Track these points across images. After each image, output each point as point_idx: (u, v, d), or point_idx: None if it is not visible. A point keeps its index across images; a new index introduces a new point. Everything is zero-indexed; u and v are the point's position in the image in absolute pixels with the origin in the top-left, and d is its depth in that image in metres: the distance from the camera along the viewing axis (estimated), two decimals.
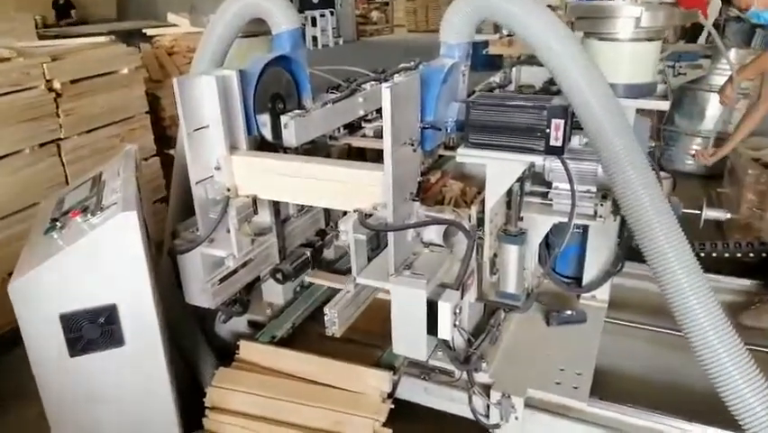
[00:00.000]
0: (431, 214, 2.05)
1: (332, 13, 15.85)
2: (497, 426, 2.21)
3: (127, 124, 3.96)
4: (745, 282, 3.01)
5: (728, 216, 2.70)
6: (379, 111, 2.58)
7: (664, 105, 2.20)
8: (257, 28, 2.47)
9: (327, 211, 2.64)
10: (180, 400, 2.19)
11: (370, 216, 1.97)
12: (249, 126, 2.16)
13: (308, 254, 2.41)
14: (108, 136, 3.81)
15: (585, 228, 2.55)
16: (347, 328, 2.23)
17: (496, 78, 2.92)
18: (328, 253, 2.67)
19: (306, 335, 2.56)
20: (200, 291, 2.19)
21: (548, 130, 1.93)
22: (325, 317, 2.14)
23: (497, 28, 6.25)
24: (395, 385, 2.22)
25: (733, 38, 5.13)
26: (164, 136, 4.41)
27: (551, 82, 2.49)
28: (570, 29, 1.91)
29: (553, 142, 1.94)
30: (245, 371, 2.34)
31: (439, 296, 1.96)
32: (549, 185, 2.25)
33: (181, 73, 4.33)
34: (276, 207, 2.35)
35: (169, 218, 2.56)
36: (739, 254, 3.25)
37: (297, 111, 2.21)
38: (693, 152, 4.79)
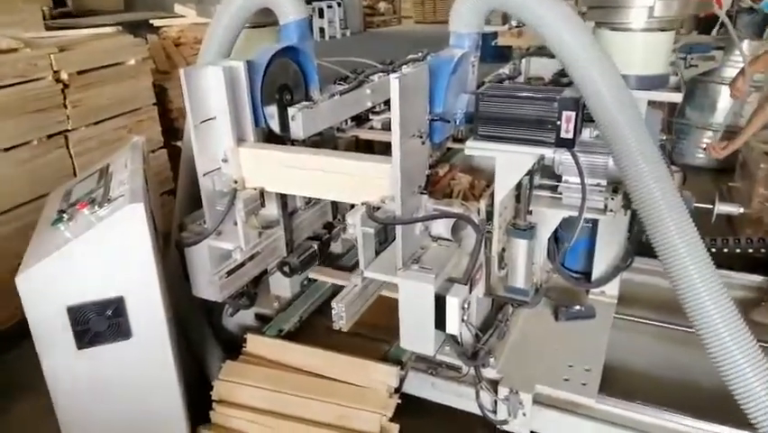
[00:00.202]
0: (439, 207, 2.03)
1: (339, 5, 15.74)
2: (504, 422, 2.20)
3: (134, 116, 3.96)
4: (757, 278, 2.98)
5: (741, 210, 2.65)
6: (386, 103, 2.56)
7: (677, 98, 2.16)
8: (264, 18, 2.45)
9: (335, 204, 2.63)
10: (187, 393, 2.19)
11: (378, 209, 1.95)
12: (256, 118, 2.14)
13: (315, 247, 2.41)
14: (115, 128, 3.80)
15: (594, 222, 2.52)
16: (354, 322, 2.22)
17: (505, 69, 2.88)
18: (335, 247, 2.66)
19: (313, 328, 2.56)
20: (207, 284, 2.19)
21: (559, 122, 1.91)
22: (333, 311, 2.13)
23: (505, 18, 6.19)
24: (402, 380, 2.21)
25: (744, 30, 5.05)
26: (171, 128, 4.40)
27: (560, 74, 2.45)
28: (581, 19, 1.88)
29: (563, 135, 1.92)
30: (252, 364, 2.34)
31: (447, 290, 1.95)
32: (559, 178, 2.23)
33: (188, 64, 4.30)
34: (283, 199, 2.33)
35: (177, 210, 2.55)
36: (751, 250, 3.21)
37: (304, 103, 2.20)
38: (704, 145, 4.73)
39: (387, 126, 2.52)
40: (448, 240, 2.09)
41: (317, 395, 2.18)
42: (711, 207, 2.58)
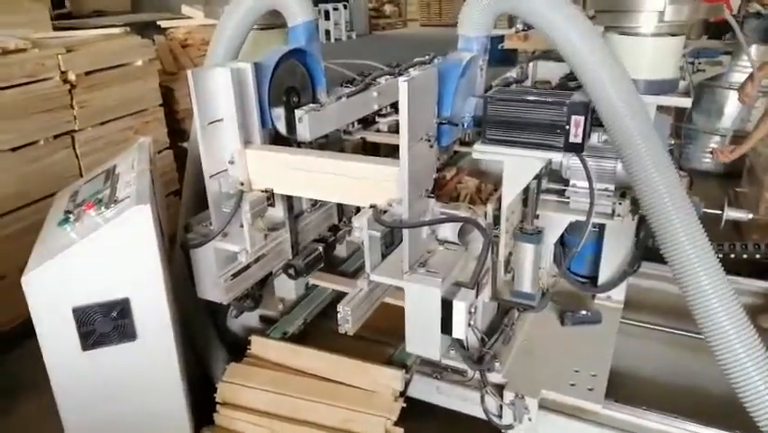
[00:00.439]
0: (447, 211, 2.02)
1: (345, 7, 15.79)
2: (510, 426, 2.18)
3: (141, 117, 3.97)
4: (764, 284, 2.96)
5: (750, 216, 2.64)
6: (393, 106, 2.55)
7: (686, 102, 2.15)
8: (272, 20, 2.45)
9: (340, 206, 2.62)
10: (191, 395, 2.19)
11: (385, 212, 1.94)
12: (263, 120, 2.14)
13: (321, 250, 2.40)
14: (122, 129, 3.81)
15: (601, 227, 2.51)
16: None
17: (512, 73, 2.87)
18: (340, 250, 2.65)
19: (317, 331, 2.54)
20: (213, 286, 2.18)
21: (568, 126, 1.89)
22: (339, 315, 2.12)
23: (511, 22, 6.18)
24: (407, 384, 2.20)
25: (752, 34, 5.03)
26: (177, 129, 4.42)
27: (568, 78, 2.44)
28: (591, 22, 1.87)
29: (572, 139, 1.91)
30: (256, 367, 2.33)
31: (454, 295, 1.93)
32: (566, 182, 2.22)
33: (195, 66, 4.32)
34: (289, 201, 2.33)
35: (182, 212, 2.55)
36: (758, 256, 3.19)
37: (311, 105, 2.19)
38: (711, 150, 4.71)
39: (393, 129, 2.52)
40: (455, 244, 2.08)
41: (322, 398, 2.17)
42: (719, 212, 2.56)
